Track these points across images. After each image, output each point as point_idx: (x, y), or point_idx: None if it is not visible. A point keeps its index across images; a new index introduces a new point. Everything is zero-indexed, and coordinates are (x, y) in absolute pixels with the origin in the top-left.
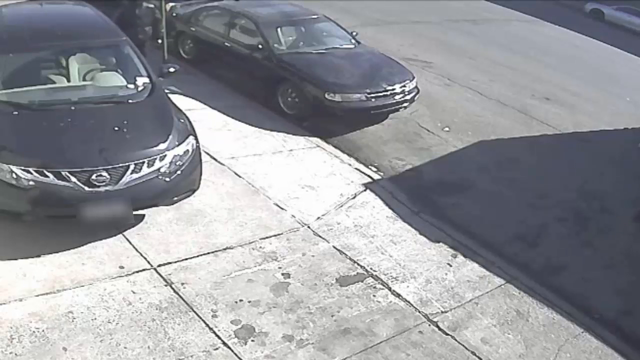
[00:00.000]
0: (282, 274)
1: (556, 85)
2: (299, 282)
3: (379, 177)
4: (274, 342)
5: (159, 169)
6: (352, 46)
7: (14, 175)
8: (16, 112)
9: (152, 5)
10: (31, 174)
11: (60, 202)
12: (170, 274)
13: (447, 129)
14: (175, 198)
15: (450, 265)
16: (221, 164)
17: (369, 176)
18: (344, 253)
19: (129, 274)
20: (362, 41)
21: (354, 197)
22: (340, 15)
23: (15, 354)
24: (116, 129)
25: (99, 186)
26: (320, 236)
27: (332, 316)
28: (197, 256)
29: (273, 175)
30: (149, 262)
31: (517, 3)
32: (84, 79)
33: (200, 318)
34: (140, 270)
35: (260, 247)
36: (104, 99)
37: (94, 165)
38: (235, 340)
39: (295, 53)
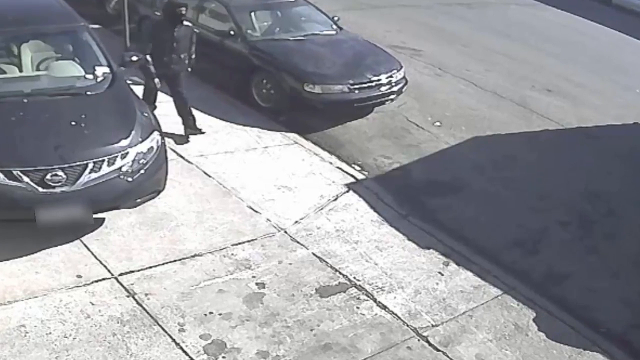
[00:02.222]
0: (256, 284)
1: (558, 76)
2: (274, 293)
3: (363, 176)
4: (247, 359)
5: (120, 168)
6: (334, 32)
7: None
8: None
9: (191, 25)
10: None
11: (12, 204)
12: (132, 284)
13: (438, 123)
14: (139, 200)
15: (442, 274)
16: (189, 162)
17: (352, 176)
18: (324, 261)
19: (88, 284)
20: (344, 27)
21: (335, 199)
22: None
23: None
24: (73, 123)
25: (54, 187)
26: (298, 242)
27: (312, 330)
28: (163, 264)
29: (246, 175)
30: (109, 271)
31: None
32: (38, 69)
33: (166, 332)
34: (100, 280)
35: (232, 254)
36: (60, 90)
37: (49, 164)
38: (204, 356)
39: (270, 40)
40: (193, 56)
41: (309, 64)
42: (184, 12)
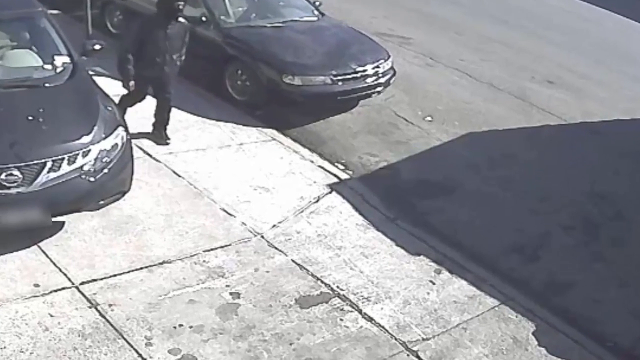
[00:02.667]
0: (231, 294)
1: (561, 66)
2: (250, 304)
3: (347, 176)
4: None
5: (81, 167)
6: (315, 18)
7: None
8: None
9: (186, 22)
10: None
11: None
12: (95, 294)
13: (429, 118)
14: (102, 202)
15: (433, 283)
16: (157, 160)
17: (335, 175)
18: (304, 268)
19: (46, 294)
20: (326, 13)
21: (316, 201)
22: None
23: None
24: (30, 118)
25: (9, 187)
26: (276, 248)
27: (291, 344)
28: (128, 272)
29: (219, 175)
30: (69, 279)
31: None
32: None
33: (132, 347)
34: (59, 289)
35: (204, 261)
36: (16, 82)
37: (3, 163)
38: None
39: (246, 27)
40: (183, 57)
41: (288, 53)
42: (181, 7)
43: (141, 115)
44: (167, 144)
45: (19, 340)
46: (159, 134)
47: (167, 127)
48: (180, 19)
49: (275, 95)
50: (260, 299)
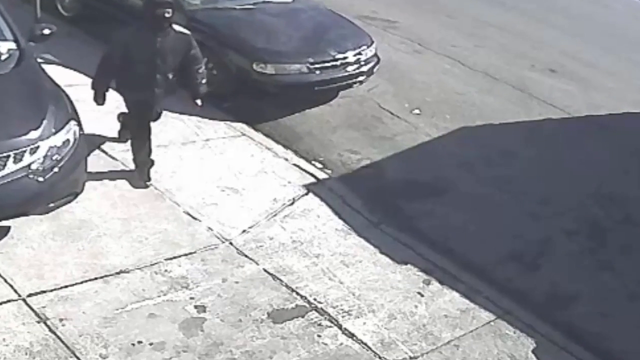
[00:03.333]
0: (196, 307)
1: (564, 53)
2: (217, 318)
3: (325, 176)
4: None
5: (29, 166)
6: (290, 0)
7: None
8: None
9: (187, 32)
10: None
11: None
12: (44, 307)
13: (417, 111)
14: (52, 204)
15: (422, 295)
16: (113, 158)
17: (312, 175)
18: (278, 279)
19: None
20: None
21: (291, 203)
22: None
23: None
24: None
25: None
26: (246, 256)
27: None
28: (81, 283)
29: (183, 174)
30: (15, 291)
31: None
32: None
33: None
34: (4, 302)
35: (166, 271)
36: None
37: None
38: None
39: (212, 9)
40: (204, 80)
41: (260, 39)
42: (167, 14)
43: (94, 107)
44: (147, 186)
45: None
46: (139, 173)
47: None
48: (176, 28)
49: (246, 85)
50: (229, 313)
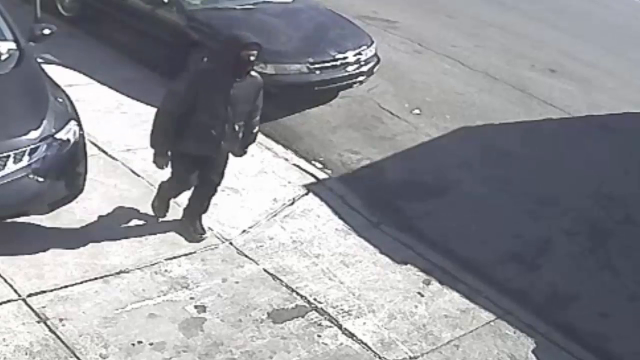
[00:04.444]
0: (196, 307)
1: (564, 53)
2: (217, 318)
3: (325, 176)
4: None
5: (29, 165)
6: (290, 0)
7: None
8: None
9: (258, 76)
10: None
11: None
12: (44, 307)
13: (417, 111)
14: (52, 204)
15: (422, 295)
16: (113, 158)
17: (312, 175)
18: (278, 279)
19: None
20: None
21: (291, 204)
22: None
23: None
24: None
25: None
26: (246, 256)
27: None
28: (81, 282)
29: None
30: (15, 291)
31: None
32: None
33: None
34: (4, 302)
35: (166, 271)
36: None
37: None
38: None
39: (212, 9)
40: (257, 129)
41: (260, 39)
42: (253, 58)
43: (94, 107)
44: (201, 239)
45: None
46: (190, 225)
47: (202, 216)
48: (252, 73)
49: None
50: (229, 313)
